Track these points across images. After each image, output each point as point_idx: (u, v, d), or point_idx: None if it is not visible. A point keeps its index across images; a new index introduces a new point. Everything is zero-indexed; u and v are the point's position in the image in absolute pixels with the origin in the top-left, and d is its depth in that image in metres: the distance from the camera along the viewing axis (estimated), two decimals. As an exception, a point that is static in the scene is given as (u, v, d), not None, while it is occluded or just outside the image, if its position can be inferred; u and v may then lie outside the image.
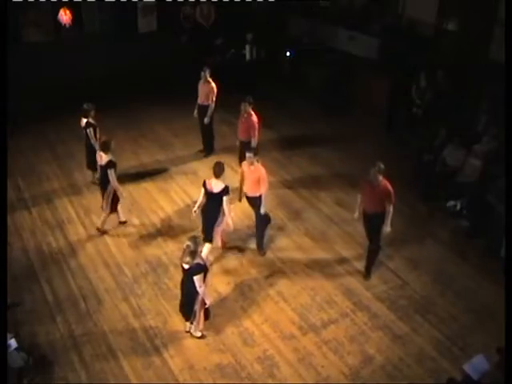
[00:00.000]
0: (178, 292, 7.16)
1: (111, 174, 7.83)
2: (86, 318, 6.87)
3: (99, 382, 6.07)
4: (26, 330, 6.60)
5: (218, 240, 7.71)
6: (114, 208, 8.22)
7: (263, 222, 7.96)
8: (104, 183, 8.03)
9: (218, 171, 7.26)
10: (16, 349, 5.84)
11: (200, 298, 6.10)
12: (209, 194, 7.30)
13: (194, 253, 5.85)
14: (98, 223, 8.37)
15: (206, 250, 7.31)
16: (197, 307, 6.19)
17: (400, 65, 11.40)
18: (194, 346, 6.50)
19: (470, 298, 7.42)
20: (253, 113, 9.12)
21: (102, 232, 8.36)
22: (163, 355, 6.39)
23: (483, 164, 8.85)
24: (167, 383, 6.09)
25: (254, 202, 7.78)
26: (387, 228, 7.37)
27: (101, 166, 7.98)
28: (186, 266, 5.95)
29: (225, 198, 7.17)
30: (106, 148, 7.88)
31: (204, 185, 7.35)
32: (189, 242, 5.86)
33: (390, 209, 7.25)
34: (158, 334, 6.66)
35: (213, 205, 7.30)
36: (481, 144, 9.08)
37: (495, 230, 8.14)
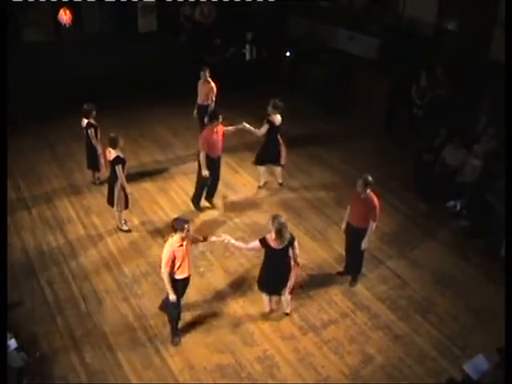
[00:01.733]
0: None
1: (118, 169, 7.83)
2: (86, 318, 6.87)
3: (99, 382, 6.07)
4: (26, 330, 6.60)
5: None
6: (126, 205, 8.23)
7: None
8: (112, 180, 8.04)
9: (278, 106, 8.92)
10: (16, 349, 5.84)
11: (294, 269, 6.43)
12: (271, 128, 8.81)
13: (286, 226, 6.13)
14: (116, 224, 8.46)
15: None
16: (292, 276, 6.48)
17: (400, 65, 11.40)
18: (194, 346, 6.51)
19: (469, 298, 7.42)
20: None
21: (126, 231, 8.40)
22: (163, 355, 6.40)
23: (483, 164, 8.85)
24: (167, 383, 6.09)
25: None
26: (364, 245, 7.15)
27: (110, 162, 7.99)
28: (281, 246, 6.16)
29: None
30: (114, 144, 7.85)
31: (269, 121, 8.86)
32: (279, 220, 6.09)
33: (373, 226, 6.99)
34: (157, 334, 6.66)
35: (274, 137, 8.88)
36: (480, 144, 9.08)
37: (495, 230, 8.14)
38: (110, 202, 8.23)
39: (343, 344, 6.65)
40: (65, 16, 11.91)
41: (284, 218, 6.28)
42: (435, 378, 6.23)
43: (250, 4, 13.84)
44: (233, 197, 9.47)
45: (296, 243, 6.31)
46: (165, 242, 8.13)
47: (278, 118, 9.01)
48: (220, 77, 10.56)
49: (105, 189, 9.41)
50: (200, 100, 10.26)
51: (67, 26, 12.04)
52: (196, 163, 10.35)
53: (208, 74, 10.11)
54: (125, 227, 8.46)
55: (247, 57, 13.39)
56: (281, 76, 13.89)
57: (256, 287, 7.45)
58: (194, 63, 11.28)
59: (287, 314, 6.94)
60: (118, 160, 7.84)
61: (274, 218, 6.19)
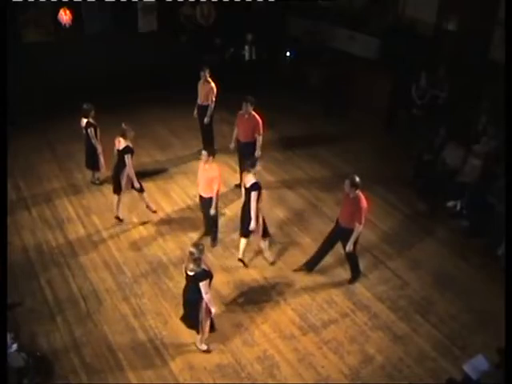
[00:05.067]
0: (178, 292, 7.16)
1: (128, 158, 8.05)
2: (86, 318, 6.87)
3: (99, 382, 6.07)
4: (26, 330, 6.60)
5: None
6: (131, 186, 8.44)
7: (211, 222, 8.04)
8: (119, 168, 8.21)
9: (249, 165, 7.32)
10: (16, 349, 5.85)
11: (204, 306, 5.94)
12: (244, 190, 7.43)
13: (198, 260, 5.73)
14: (116, 213, 8.61)
15: (242, 245, 7.70)
16: (202, 316, 6.04)
17: (400, 65, 11.40)
18: (194, 346, 6.50)
19: (469, 297, 7.42)
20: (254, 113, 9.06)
21: (120, 219, 8.61)
22: (163, 355, 6.39)
23: (483, 164, 8.85)
24: (167, 383, 6.09)
25: (205, 202, 7.76)
26: (348, 247, 7.06)
27: (118, 151, 8.16)
28: (191, 273, 5.81)
29: (252, 194, 7.15)
30: (124, 134, 8.10)
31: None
32: (192, 249, 5.73)
33: (358, 229, 6.89)
34: (158, 334, 6.66)
35: (246, 200, 7.37)
36: (480, 144, 9.09)
37: (495, 230, 8.14)
38: (116, 191, 8.40)
39: (343, 344, 6.65)
40: (65, 16, 11.88)
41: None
42: (435, 378, 6.23)
43: (250, 4, 13.83)
44: (232, 196, 9.46)
45: (203, 285, 5.74)
46: (164, 241, 8.24)
47: (247, 179, 7.44)
48: (220, 77, 10.56)
49: (105, 188, 9.45)
50: (200, 100, 10.25)
51: (67, 26, 12.02)
52: (196, 163, 10.42)
53: (208, 74, 10.10)
54: (120, 216, 8.60)
55: (246, 57, 13.39)
56: (281, 76, 13.90)
57: (256, 287, 7.48)
58: (194, 63, 11.27)
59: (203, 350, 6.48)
60: (127, 149, 8.07)
61: (194, 245, 5.87)
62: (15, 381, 5.79)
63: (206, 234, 8.26)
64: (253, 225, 7.26)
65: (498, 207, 8.10)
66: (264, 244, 7.82)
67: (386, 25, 12.34)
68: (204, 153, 7.47)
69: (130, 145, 8.15)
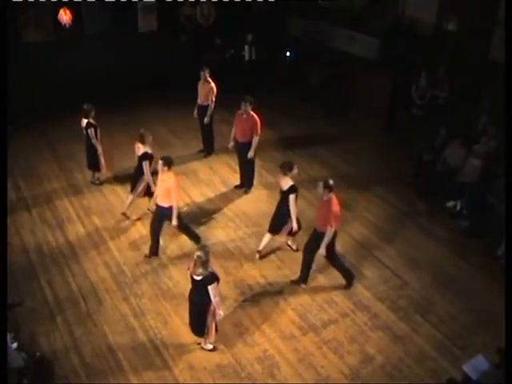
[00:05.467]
0: (178, 292, 7.21)
1: (145, 165, 8.04)
2: (86, 318, 6.86)
3: (99, 382, 6.07)
4: (26, 330, 6.59)
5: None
6: (147, 193, 8.45)
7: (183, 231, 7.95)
8: (138, 173, 8.27)
9: (287, 169, 7.41)
10: (16, 349, 5.84)
11: (212, 308, 5.93)
12: (281, 192, 7.55)
13: (206, 262, 5.66)
14: (124, 209, 8.67)
15: (266, 239, 7.87)
16: (209, 320, 6.03)
17: (400, 65, 11.41)
18: (194, 346, 6.50)
19: (470, 297, 7.42)
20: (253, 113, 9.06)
21: (126, 216, 8.65)
22: (163, 355, 6.39)
23: (483, 164, 8.86)
24: (167, 383, 6.09)
25: (165, 213, 7.42)
26: (321, 251, 6.96)
27: (137, 157, 8.20)
28: (199, 278, 5.74)
29: (290, 197, 7.31)
30: (143, 139, 8.09)
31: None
32: (199, 253, 5.64)
33: (329, 232, 6.79)
34: (158, 334, 6.66)
35: (281, 202, 7.57)
36: (480, 144, 9.09)
37: (495, 230, 8.14)
38: (132, 191, 8.51)
39: (343, 344, 6.65)
40: (65, 16, 11.89)
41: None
42: (435, 378, 6.23)
43: (249, 4, 13.84)
44: (232, 196, 9.46)
45: (212, 288, 5.70)
46: (164, 241, 8.23)
47: (283, 181, 7.52)
48: (220, 77, 10.56)
49: (105, 189, 9.46)
50: (200, 100, 10.25)
51: (67, 26, 12.03)
52: (196, 163, 10.45)
53: (208, 74, 10.10)
54: (128, 212, 8.65)
55: (246, 57, 13.40)
56: (281, 76, 13.90)
57: (256, 287, 7.48)
58: (194, 63, 11.28)
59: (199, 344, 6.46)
60: (145, 156, 8.05)
61: (199, 248, 5.82)
62: (15, 381, 5.78)
63: (151, 253, 7.87)
64: (295, 226, 7.49)
65: (498, 207, 8.10)
66: (287, 238, 8.08)
67: (386, 25, 12.35)
68: (160, 162, 7.22)
69: (149, 151, 8.12)
